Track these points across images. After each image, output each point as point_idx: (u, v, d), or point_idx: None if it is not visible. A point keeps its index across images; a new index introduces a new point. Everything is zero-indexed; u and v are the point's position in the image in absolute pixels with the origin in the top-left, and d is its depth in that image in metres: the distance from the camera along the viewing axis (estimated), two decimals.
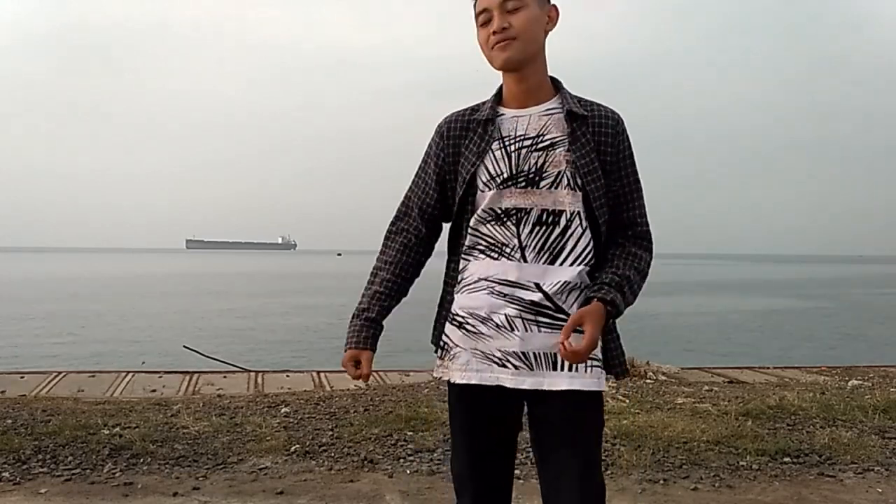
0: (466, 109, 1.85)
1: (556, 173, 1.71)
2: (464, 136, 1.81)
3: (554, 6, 1.78)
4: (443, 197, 1.86)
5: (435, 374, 1.89)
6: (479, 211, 1.76)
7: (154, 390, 5.86)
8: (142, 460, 3.85)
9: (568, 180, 1.70)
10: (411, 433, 4.35)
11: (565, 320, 1.67)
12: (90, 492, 3.46)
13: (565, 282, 1.70)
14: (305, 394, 5.61)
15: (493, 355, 1.73)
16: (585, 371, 1.69)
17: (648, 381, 6.36)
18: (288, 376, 6.75)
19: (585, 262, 1.73)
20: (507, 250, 1.73)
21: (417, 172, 1.91)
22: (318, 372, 6.94)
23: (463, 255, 1.81)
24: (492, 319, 1.73)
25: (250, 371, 7.32)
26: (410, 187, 1.92)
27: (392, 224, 1.93)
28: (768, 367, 7.57)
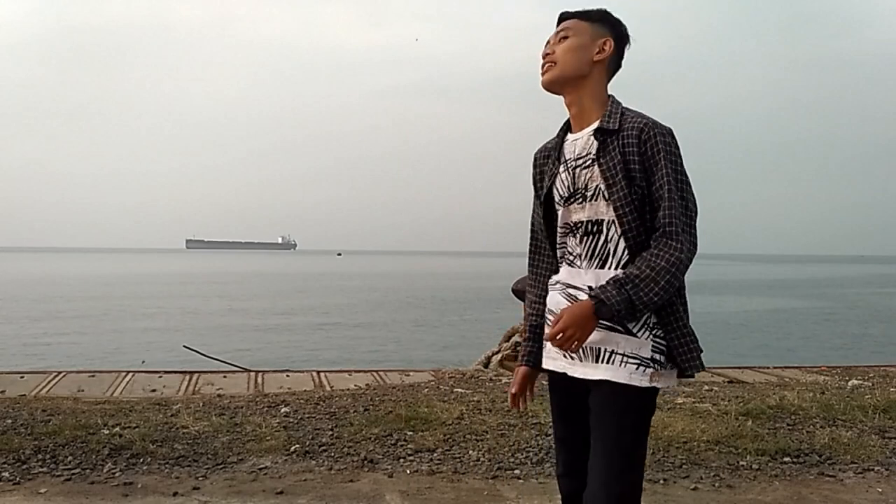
0: (551, 139, 2.08)
1: (594, 187, 1.91)
2: (545, 162, 2.08)
3: (608, 40, 1.96)
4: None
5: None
6: (559, 226, 2.03)
7: (154, 390, 5.86)
8: (142, 460, 3.85)
9: (602, 192, 1.90)
10: (411, 433, 4.36)
11: (608, 323, 1.86)
12: (90, 492, 3.46)
13: None
14: (305, 394, 5.61)
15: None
16: (620, 365, 1.86)
17: None
18: (288, 376, 6.74)
19: (623, 265, 1.90)
20: (572, 258, 2.00)
21: (533, 202, 2.14)
22: (318, 372, 6.93)
23: (558, 264, 2.06)
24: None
25: (250, 371, 7.31)
26: (531, 216, 2.15)
27: (529, 255, 2.16)
28: (768, 367, 7.56)
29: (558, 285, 2.02)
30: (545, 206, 2.06)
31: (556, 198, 2.00)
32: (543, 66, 1.98)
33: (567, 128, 2.05)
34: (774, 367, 7.53)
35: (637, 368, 1.85)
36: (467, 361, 7.82)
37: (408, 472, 3.79)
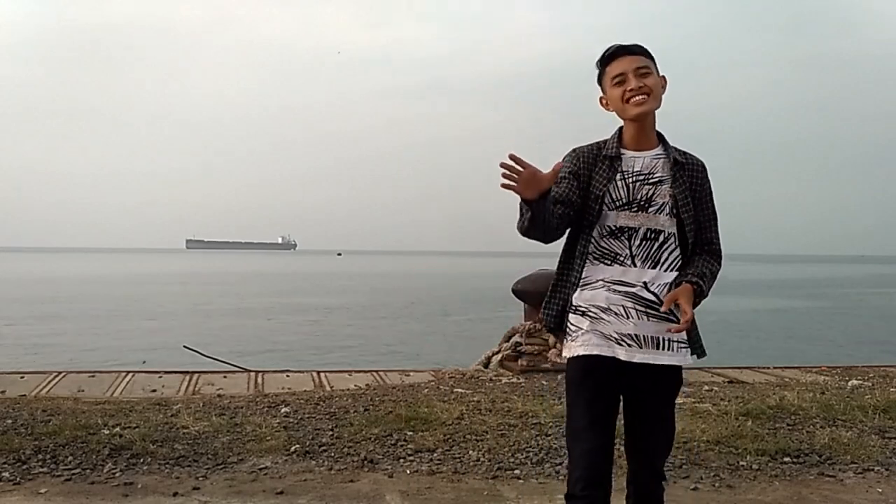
0: (593, 145, 2.35)
1: (661, 203, 2.28)
2: (594, 164, 2.32)
3: (664, 76, 2.32)
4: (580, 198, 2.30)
5: (564, 354, 2.33)
6: (601, 227, 2.29)
7: (154, 390, 5.86)
8: (142, 460, 3.86)
9: (669, 209, 2.28)
10: (411, 433, 4.36)
11: (667, 313, 2.21)
12: (90, 492, 3.46)
13: (666, 283, 2.26)
14: (305, 394, 5.61)
15: (611, 336, 2.24)
16: (677, 351, 2.25)
17: None
18: (288, 376, 6.73)
19: (675, 268, 2.29)
20: (621, 258, 2.28)
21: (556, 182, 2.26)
22: (318, 372, 6.93)
23: (584, 260, 2.31)
24: (611, 309, 2.25)
25: (250, 371, 7.30)
26: (563, 190, 2.28)
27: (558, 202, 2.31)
28: (768, 367, 7.55)
29: (599, 282, 2.27)
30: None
31: (608, 200, 2.28)
32: (638, 97, 2.24)
33: (619, 142, 2.32)
34: (774, 367, 7.53)
35: (689, 352, 2.27)
36: (467, 361, 7.82)
37: (408, 472, 3.79)
